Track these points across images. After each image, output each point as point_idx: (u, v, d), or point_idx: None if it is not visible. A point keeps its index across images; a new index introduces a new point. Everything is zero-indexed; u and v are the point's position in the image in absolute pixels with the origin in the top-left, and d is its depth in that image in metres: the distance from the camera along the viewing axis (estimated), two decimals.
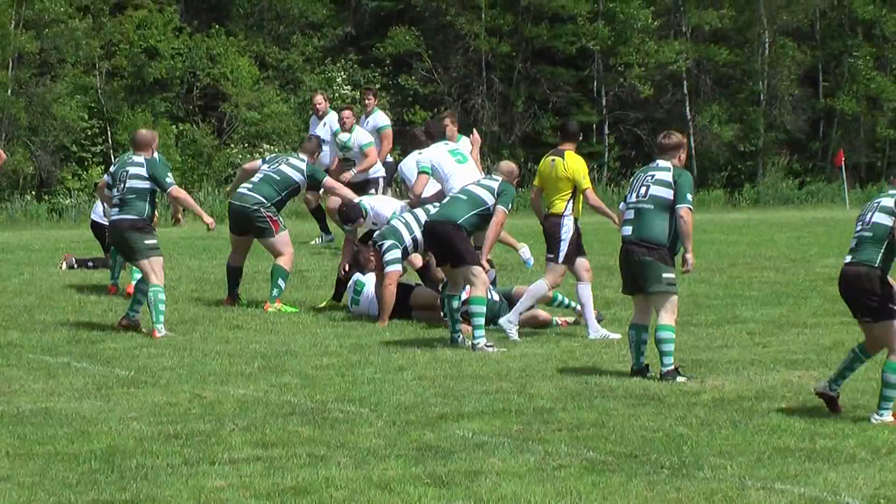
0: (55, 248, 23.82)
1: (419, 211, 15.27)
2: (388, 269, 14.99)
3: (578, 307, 14.63)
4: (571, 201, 14.05)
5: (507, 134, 46.63)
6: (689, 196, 11.83)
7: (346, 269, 16.19)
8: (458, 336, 13.58)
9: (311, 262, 20.53)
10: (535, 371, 12.00)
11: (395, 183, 24.85)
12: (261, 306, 16.01)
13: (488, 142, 42.39)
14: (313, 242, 23.65)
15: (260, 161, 17.15)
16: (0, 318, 15.29)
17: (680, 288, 12.07)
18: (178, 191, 14.61)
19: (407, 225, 15.23)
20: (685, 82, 48.73)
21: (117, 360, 12.65)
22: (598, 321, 14.21)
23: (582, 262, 14.11)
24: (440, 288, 14.67)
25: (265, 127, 42.31)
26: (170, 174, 14.44)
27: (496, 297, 14.81)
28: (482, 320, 13.33)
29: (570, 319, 15.09)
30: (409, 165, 16.99)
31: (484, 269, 13.49)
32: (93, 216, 19.35)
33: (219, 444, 8.99)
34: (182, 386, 11.24)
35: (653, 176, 11.92)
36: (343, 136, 21.30)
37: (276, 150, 38.67)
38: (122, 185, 14.30)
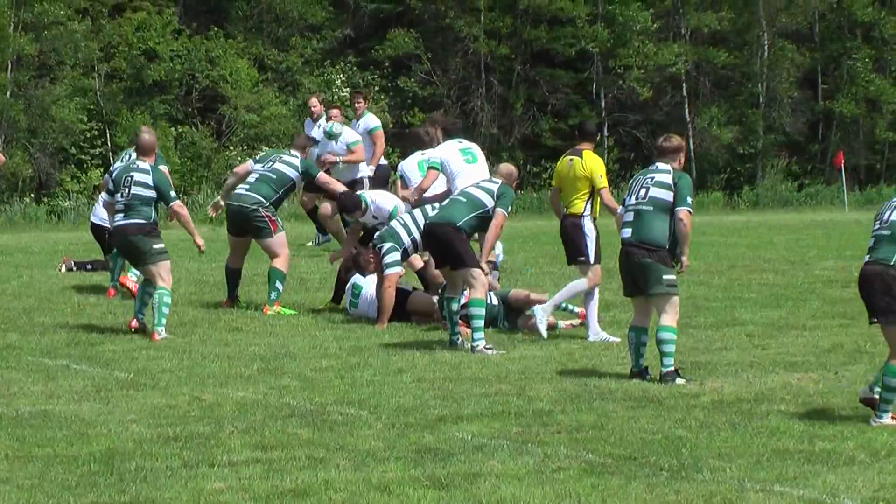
0: (54, 251, 23.83)
1: (418, 212, 15.25)
2: (388, 271, 14.98)
3: (580, 310, 14.67)
4: (590, 201, 14.10)
5: (507, 136, 46.65)
6: (689, 199, 11.82)
7: (343, 269, 16.17)
8: (458, 338, 13.57)
9: (310, 265, 20.53)
10: (535, 373, 11.99)
11: (392, 186, 24.81)
12: (260, 309, 16.01)
13: (487, 144, 42.43)
14: (309, 244, 23.66)
15: (251, 162, 16.97)
16: None
17: (679, 290, 12.06)
18: (180, 206, 14.64)
19: (406, 227, 15.21)
20: (684, 84, 48.76)
21: (116, 362, 12.64)
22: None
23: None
24: (440, 291, 14.66)
25: (264, 129, 42.30)
26: (171, 189, 14.56)
27: (495, 301, 14.81)
28: (481, 323, 13.32)
29: (576, 322, 15.09)
30: (411, 166, 16.97)
31: (483, 271, 13.49)
32: (92, 218, 19.36)
33: (218, 447, 8.98)
34: (181, 388, 11.22)
35: (652, 178, 11.90)
36: (327, 125, 21.22)
37: None
38: (127, 191, 14.33)
